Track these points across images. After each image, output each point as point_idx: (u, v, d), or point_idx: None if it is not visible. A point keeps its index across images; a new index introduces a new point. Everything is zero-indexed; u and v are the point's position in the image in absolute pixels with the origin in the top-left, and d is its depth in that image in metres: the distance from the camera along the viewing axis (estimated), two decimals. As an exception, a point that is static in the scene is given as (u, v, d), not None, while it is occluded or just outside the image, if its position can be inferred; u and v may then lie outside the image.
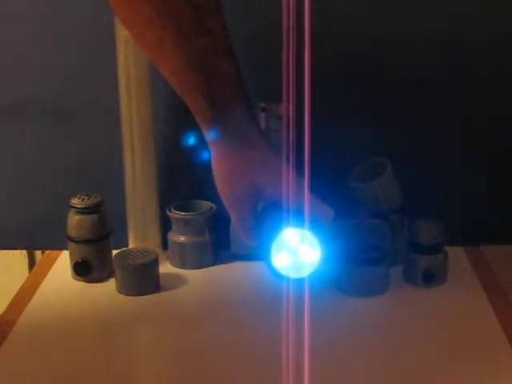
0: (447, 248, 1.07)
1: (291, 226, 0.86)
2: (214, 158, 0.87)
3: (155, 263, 1.06)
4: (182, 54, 0.82)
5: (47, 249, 1.21)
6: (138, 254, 1.07)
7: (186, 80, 0.84)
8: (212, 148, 0.87)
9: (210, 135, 0.86)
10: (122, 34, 1.04)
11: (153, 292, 1.06)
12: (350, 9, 1.12)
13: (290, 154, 0.88)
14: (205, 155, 0.88)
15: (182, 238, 1.12)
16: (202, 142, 0.88)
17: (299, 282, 0.88)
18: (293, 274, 0.88)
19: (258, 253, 0.90)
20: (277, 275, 0.87)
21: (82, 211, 1.08)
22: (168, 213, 1.12)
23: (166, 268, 1.12)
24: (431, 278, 1.05)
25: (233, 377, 0.88)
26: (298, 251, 0.87)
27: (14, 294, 1.07)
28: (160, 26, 0.81)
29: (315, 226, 0.87)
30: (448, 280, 1.07)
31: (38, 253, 1.29)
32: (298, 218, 0.86)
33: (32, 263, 1.31)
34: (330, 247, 0.99)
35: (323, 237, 0.87)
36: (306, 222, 0.86)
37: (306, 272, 0.88)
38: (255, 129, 0.87)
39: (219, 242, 1.13)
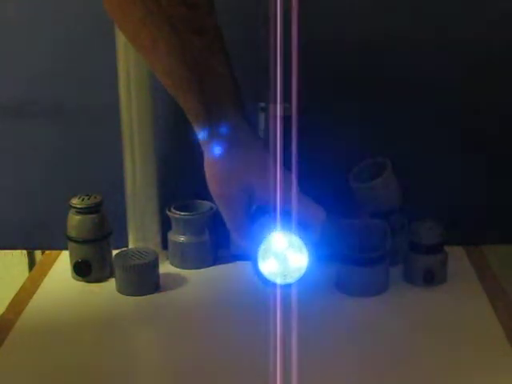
0: (447, 248, 1.07)
1: (279, 231, 0.86)
2: (207, 158, 0.87)
3: (155, 263, 1.06)
4: (176, 53, 0.82)
5: (47, 249, 1.21)
6: (137, 254, 1.07)
7: (179, 80, 0.84)
8: (205, 148, 0.87)
9: (202, 135, 0.86)
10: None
11: (153, 292, 1.06)
12: (350, 7, 1.12)
13: (284, 155, 0.88)
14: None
15: (182, 238, 1.12)
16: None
17: (286, 287, 0.88)
18: (280, 280, 0.88)
19: (249, 255, 0.90)
20: (264, 281, 0.87)
21: (82, 211, 1.08)
22: (168, 213, 1.12)
23: (166, 268, 1.12)
24: (431, 277, 1.05)
25: (233, 376, 0.88)
26: (285, 257, 0.87)
27: (14, 294, 1.08)
28: (154, 26, 0.81)
29: (306, 227, 0.87)
30: (448, 280, 1.07)
31: (38, 253, 1.29)
32: (288, 220, 0.86)
33: (32, 263, 1.31)
34: (328, 247, 0.99)
35: (312, 241, 0.87)
36: (294, 226, 0.86)
37: (293, 278, 0.88)
38: (248, 129, 0.87)
39: (219, 242, 1.13)
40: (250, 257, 0.89)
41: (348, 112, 1.15)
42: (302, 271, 0.88)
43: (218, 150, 0.86)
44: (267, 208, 0.87)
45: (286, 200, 0.85)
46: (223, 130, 0.85)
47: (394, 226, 1.07)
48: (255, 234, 0.88)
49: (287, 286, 0.88)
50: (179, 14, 0.81)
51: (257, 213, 0.89)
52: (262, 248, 0.86)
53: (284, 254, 0.87)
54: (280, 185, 0.84)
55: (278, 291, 0.87)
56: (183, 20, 0.82)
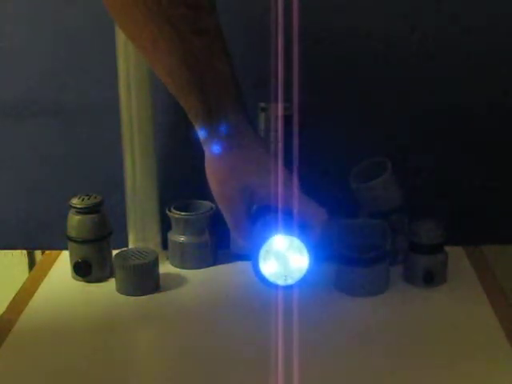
0: (447, 248, 1.07)
1: (280, 233, 0.86)
2: (208, 157, 0.87)
3: (155, 263, 1.06)
4: (176, 53, 0.82)
5: (47, 249, 1.21)
6: (137, 253, 1.07)
7: (180, 80, 0.84)
8: (205, 147, 0.87)
9: (203, 135, 0.86)
10: (122, 34, 1.04)
11: (153, 292, 1.06)
12: (351, 7, 1.12)
13: (284, 154, 0.88)
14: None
15: (182, 238, 1.12)
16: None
17: (287, 289, 0.88)
18: (280, 282, 0.88)
19: (250, 255, 0.91)
20: (265, 282, 0.87)
21: (82, 211, 1.08)
22: (168, 213, 1.12)
23: (166, 268, 1.12)
24: (431, 278, 1.05)
25: (233, 376, 0.88)
26: (286, 258, 0.87)
27: (13, 294, 1.08)
28: (155, 26, 0.81)
29: (307, 227, 0.87)
30: (448, 280, 1.07)
31: (38, 253, 1.29)
32: (289, 221, 0.86)
33: (32, 263, 1.31)
34: (328, 247, 0.99)
35: (312, 242, 0.87)
36: (296, 228, 0.86)
37: (293, 279, 0.88)
38: (249, 129, 0.87)
39: (219, 242, 1.13)
40: (250, 257, 0.89)
41: (348, 112, 1.15)
42: (303, 272, 0.88)
43: (218, 150, 0.86)
44: (268, 208, 0.87)
45: (287, 200, 0.85)
46: (224, 129, 0.85)
47: (394, 226, 1.07)
48: (256, 234, 0.88)
49: (288, 287, 0.88)
50: (180, 14, 0.81)
51: (257, 213, 0.89)
52: (264, 249, 0.87)
53: (284, 255, 0.87)
54: (281, 185, 0.84)
55: (279, 291, 0.88)
56: (184, 20, 0.82)
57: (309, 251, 0.87)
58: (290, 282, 0.88)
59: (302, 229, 0.87)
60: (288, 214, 0.86)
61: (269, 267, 0.87)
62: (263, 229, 0.88)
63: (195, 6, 0.82)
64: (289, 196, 0.85)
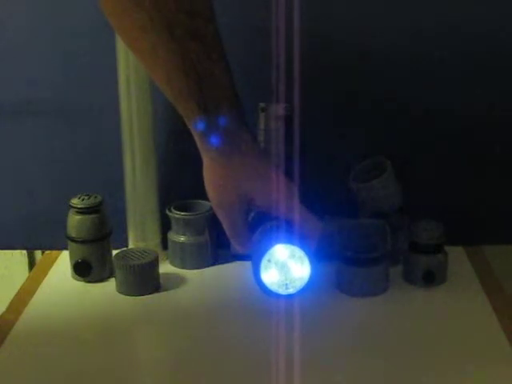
0: (447, 248, 1.07)
1: (281, 242, 0.86)
2: (206, 164, 0.87)
3: (155, 263, 1.06)
4: (174, 59, 0.82)
5: (47, 249, 1.21)
6: (138, 253, 1.07)
7: (178, 86, 0.84)
8: (203, 154, 0.87)
9: (201, 141, 0.86)
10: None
11: (153, 292, 1.06)
12: (351, 7, 1.12)
13: (283, 154, 0.87)
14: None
15: (182, 238, 1.12)
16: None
17: (289, 298, 0.88)
18: (282, 291, 0.88)
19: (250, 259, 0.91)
20: (266, 292, 0.87)
21: (82, 211, 1.08)
22: (168, 213, 1.12)
23: (166, 268, 1.12)
24: (431, 278, 1.05)
25: (233, 376, 0.88)
26: (287, 268, 0.87)
27: (14, 294, 1.08)
28: (153, 32, 0.81)
29: (303, 238, 0.86)
30: (448, 280, 1.07)
31: (37, 253, 1.29)
32: (288, 230, 0.86)
33: (32, 263, 1.31)
34: (328, 248, 0.99)
35: (312, 252, 0.87)
36: (296, 236, 0.86)
37: (295, 288, 0.88)
38: (247, 135, 0.86)
39: (219, 242, 1.13)
40: (252, 266, 0.89)
41: (348, 112, 1.15)
42: (304, 281, 0.88)
43: (216, 157, 0.85)
44: (266, 215, 0.87)
45: (286, 210, 0.85)
46: (221, 136, 0.85)
47: (394, 226, 1.07)
48: (256, 243, 0.88)
49: (289, 296, 0.88)
50: (179, 21, 0.81)
51: (255, 220, 0.89)
52: (265, 259, 0.87)
53: (286, 265, 0.88)
54: (280, 194, 0.84)
55: (280, 300, 0.88)
56: (183, 27, 0.81)
57: (310, 260, 0.87)
58: (291, 291, 0.88)
59: (300, 239, 0.87)
60: (287, 222, 0.86)
61: (270, 276, 0.87)
62: (263, 237, 0.87)
63: (194, 13, 0.82)
64: (288, 206, 0.85)
